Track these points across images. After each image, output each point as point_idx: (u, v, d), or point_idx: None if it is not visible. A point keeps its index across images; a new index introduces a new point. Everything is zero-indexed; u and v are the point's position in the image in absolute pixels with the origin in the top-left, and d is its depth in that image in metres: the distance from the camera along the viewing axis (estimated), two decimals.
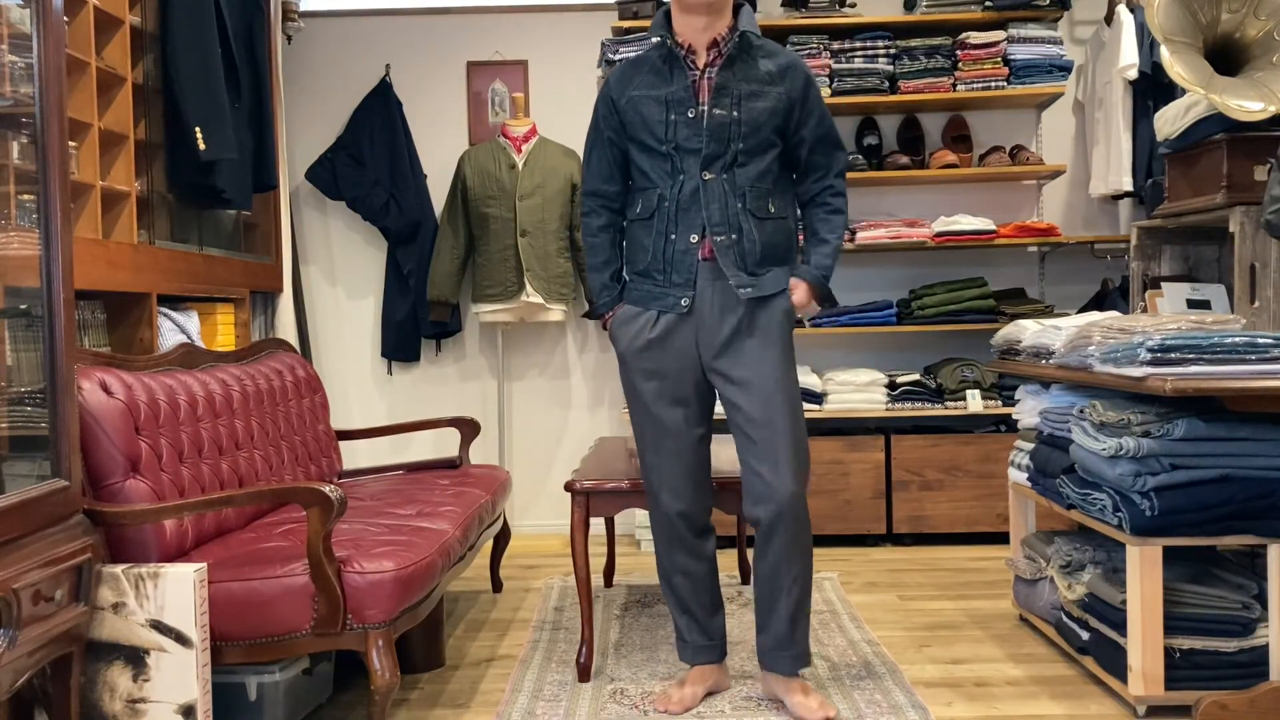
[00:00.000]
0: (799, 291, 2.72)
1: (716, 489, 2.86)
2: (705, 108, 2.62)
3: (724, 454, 3.24)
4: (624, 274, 2.81)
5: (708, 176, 2.63)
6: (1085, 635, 2.91)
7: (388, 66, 4.95)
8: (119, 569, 2.26)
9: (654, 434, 2.73)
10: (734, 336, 2.66)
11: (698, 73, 2.64)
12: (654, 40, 2.70)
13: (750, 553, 3.62)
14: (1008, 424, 4.60)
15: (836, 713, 2.68)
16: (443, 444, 4.85)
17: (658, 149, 2.65)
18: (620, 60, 4.57)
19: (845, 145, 4.83)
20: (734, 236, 2.63)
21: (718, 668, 2.85)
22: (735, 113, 2.62)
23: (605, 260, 2.80)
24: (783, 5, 4.73)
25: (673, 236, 2.65)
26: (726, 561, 4.32)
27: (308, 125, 4.95)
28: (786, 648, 2.71)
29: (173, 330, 3.48)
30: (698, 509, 2.76)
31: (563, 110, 4.97)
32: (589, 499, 2.95)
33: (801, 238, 2.82)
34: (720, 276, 2.65)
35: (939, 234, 4.61)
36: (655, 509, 2.78)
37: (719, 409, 2.75)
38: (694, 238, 2.64)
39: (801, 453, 2.66)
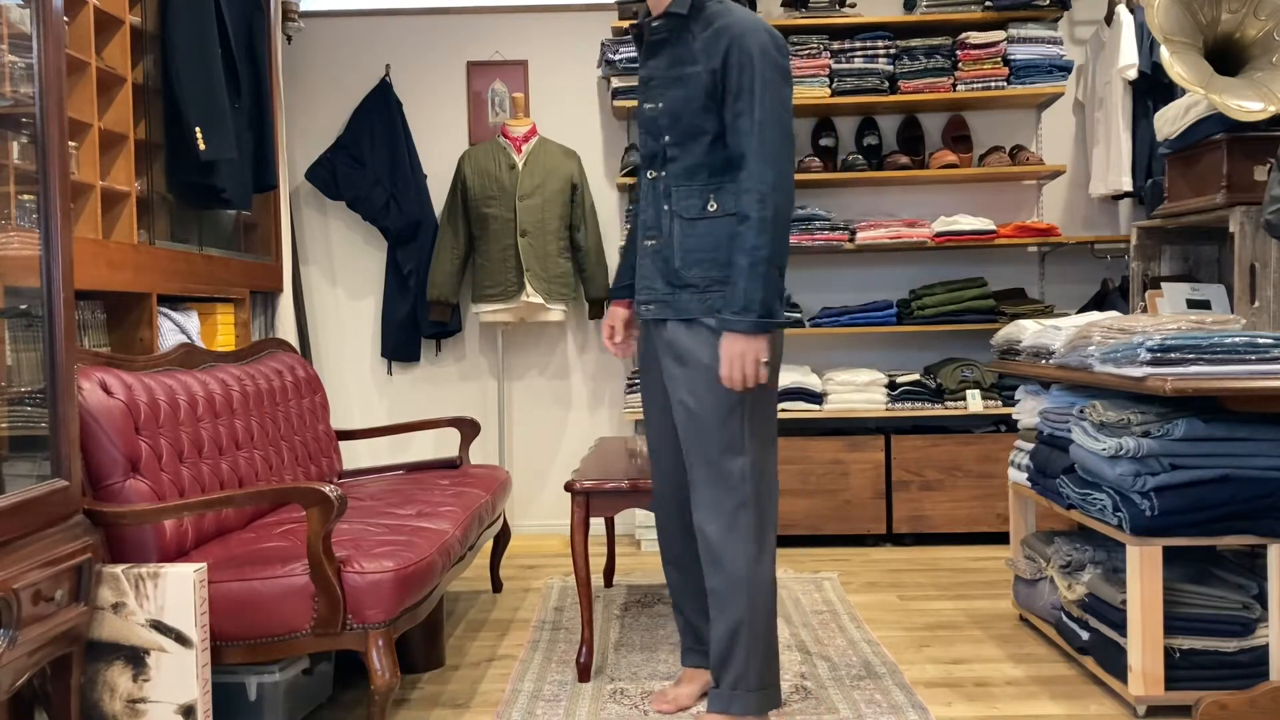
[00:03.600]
0: (722, 348, 2.33)
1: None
2: (648, 97, 2.49)
3: None
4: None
5: (651, 175, 2.51)
6: (1085, 635, 2.91)
7: (388, 66, 4.95)
8: (119, 569, 2.26)
9: (649, 439, 2.74)
10: (670, 351, 2.48)
11: (644, 59, 2.52)
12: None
13: None
14: (1008, 424, 4.61)
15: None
16: (443, 444, 4.85)
17: (639, 143, 2.59)
18: (620, 60, 4.58)
19: (844, 145, 4.88)
20: (658, 242, 2.47)
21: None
22: (660, 104, 2.42)
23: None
24: (783, 5, 4.73)
25: (640, 235, 2.58)
26: None
27: (308, 125, 4.95)
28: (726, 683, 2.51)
29: (173, 330, 3.48)
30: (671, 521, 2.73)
31: (563, 110, 4.97)
32: (589, 499, 2.95)
33: None
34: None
35: (939, 234, 4.61)
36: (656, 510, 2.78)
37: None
38: (647, 241, 2.53)
39: (720, 481, 2.38)
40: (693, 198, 2.41)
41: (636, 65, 4.56)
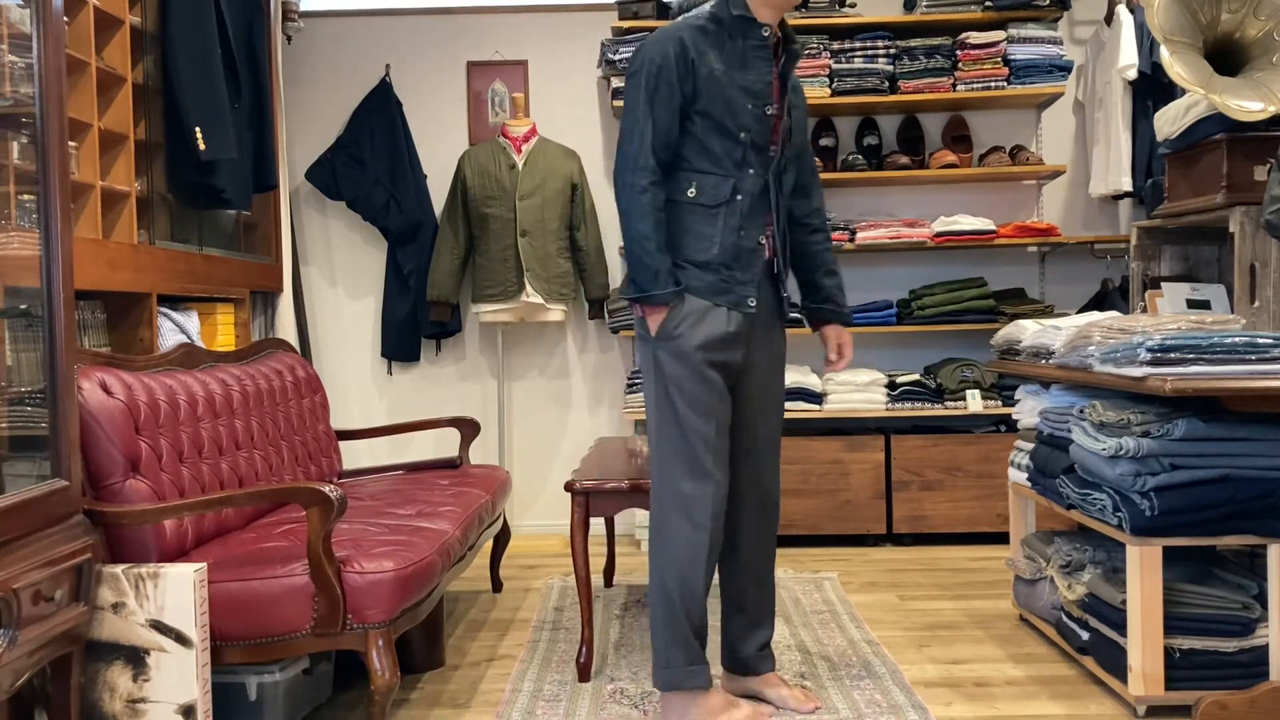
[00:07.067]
0: (847, 343, 2.78)
1: None
2: (777, 109, 2.56)
3: None
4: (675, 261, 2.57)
5: (769, 179, 2.57)
6: (1085, 635, 2.91)
7: (388, 66, 4.95)
8: (119, 569, 2.26)
9: (716, 433, 2.52)
10: (772, 345, 2.68)
11: (773, 66, 2.55)
12: (723, 16, 2.52)
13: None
14: (1008, 424, 4.61)
15: (821, 703, 2.73)
16: (443, 444, 4.85)
17: (736, 136, 2.50)
18: (619, 60, 4.58)
19: (844, 145, 4.90)
20: (781, 244, 2.63)
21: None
22: (788, 118, 2.59)
23: (665, 241, 2.49)
24: None
25: (742, 232, 2.54)
26: None
27: (308, 125, 4.95)
28: (769, 645, 2.77)
29: (173, 330, 3.48)
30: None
31: (563, 110, 4.97)
32: (589, 499, 2.95)
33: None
34: (773, 282, 2.64)
35: (939, 234, 4.61)
36: (705, 517, 2.50)
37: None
38: (761, 239, 2.58)
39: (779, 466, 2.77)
40: (788, 210, 2.73)
41: None
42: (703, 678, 2.55)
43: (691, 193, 2.52)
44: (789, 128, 2.59)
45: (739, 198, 2.53)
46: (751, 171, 2.53)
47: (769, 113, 2.53)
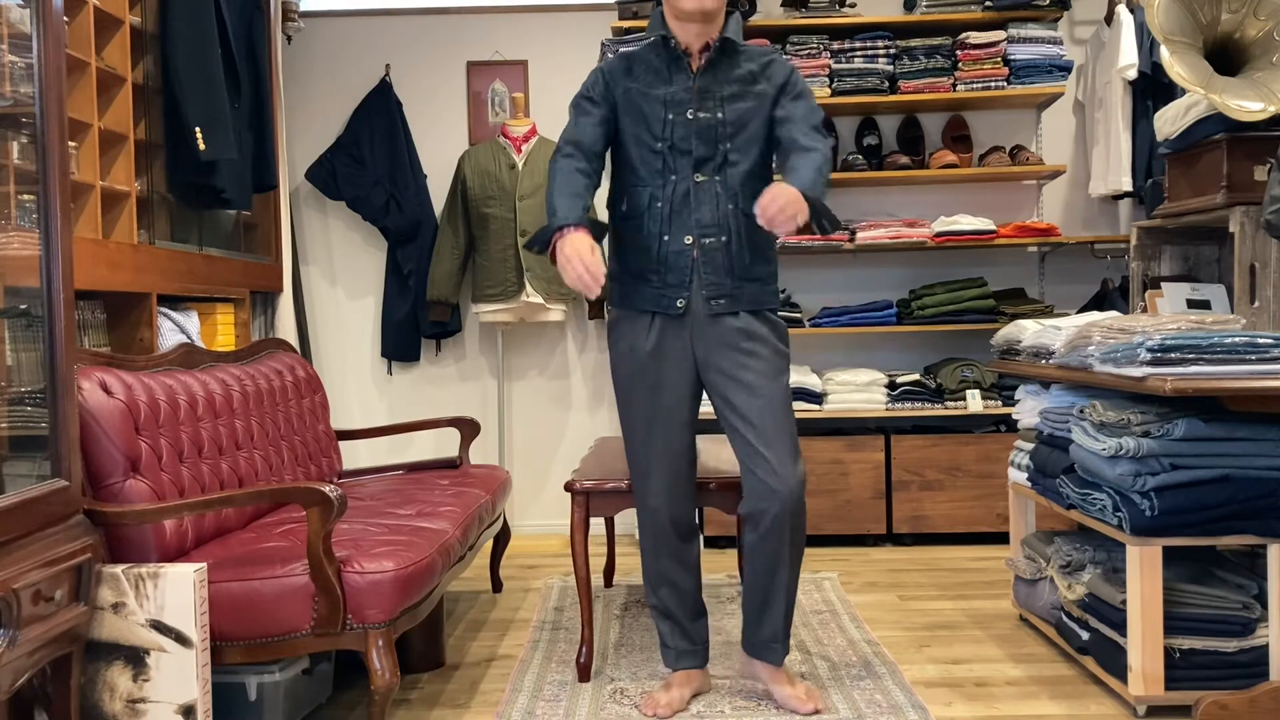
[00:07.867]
0: (782, 194, 2.37)
1: (716, 488, 2.86)
2: (700, 113, 2.65)
3: (723, 454, 3.25)
4: (614, 274, 2.79)
5: (700, 178, 2.65)
6: (1085, 635, 2.91)
7: (388, 66, 4.95)
8: (119, 569, 2.26)
9: (646, 439, 2.73)
10: (733, 337, 2.67)
11: (694, 75, 2.67)
12: (651, 38, 2.71)
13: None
14: (1008, 424, 4.61)
15: (824, 705, 2.73)
16: (443, 444, 4.85)
17: (653, 146, 2.66)
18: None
19: (844, 145, 4.89)
20: (723, 239, 2.65)
21: (701, 672, 2.84)
22: (720, 114, 2.64)
23: (578, 191, 2.60)
24: (783, 5, 4.73)
25: (665, 237, 2.66)
26: (727, 562, 4.33)
27: (308, 125, 4.95)
28: (781, 639, 2.76)
29: (173, 330, 3.48)
30: (686, 513, 2.77)
31: (563, 110, 4.94)
32: (589, 499, 2.95)
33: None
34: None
35: (939, 234, 4.61)
36: (645, 514, 2.77)
37: (705, 407, 2.77)
38: (688, 239, 2.65)
39: (797, 453, 2.71)
40: (753, 199, 2.58)
41: None
42: (667, 658, 2.82)
43: (624, 207, 2.73)
44: (723, 121, 2.64)
45: (658, 204, 2.67)
46: (674, 176, 2.66)
47: (690, 117, 2.64)
